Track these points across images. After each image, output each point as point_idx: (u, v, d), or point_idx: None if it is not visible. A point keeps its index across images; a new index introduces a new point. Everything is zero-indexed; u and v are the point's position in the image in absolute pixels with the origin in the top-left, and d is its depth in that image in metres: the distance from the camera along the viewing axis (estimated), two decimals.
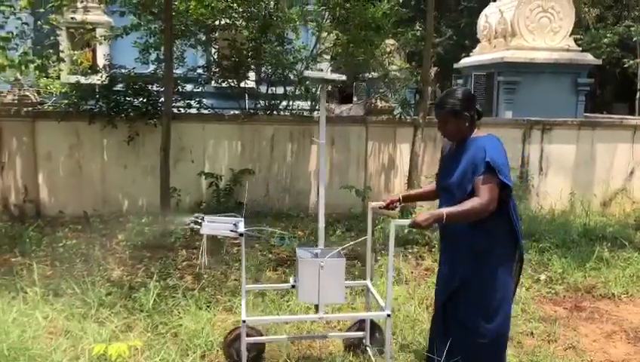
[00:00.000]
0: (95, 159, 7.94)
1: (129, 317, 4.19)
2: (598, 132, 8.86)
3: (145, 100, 7.80)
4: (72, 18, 9.16)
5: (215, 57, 9.08)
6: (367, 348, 3.80)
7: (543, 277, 5.72)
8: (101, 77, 8.11)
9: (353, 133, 8.40)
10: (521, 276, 3.50)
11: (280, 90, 9.14)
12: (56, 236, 6.25)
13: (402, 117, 8.04)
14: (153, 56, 8.48)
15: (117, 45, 9.72)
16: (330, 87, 8.98)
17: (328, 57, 8.65)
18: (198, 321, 4.02)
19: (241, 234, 3.39)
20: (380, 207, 3.74)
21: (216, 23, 8.63)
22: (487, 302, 3.28)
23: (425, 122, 7.63)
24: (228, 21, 8.68)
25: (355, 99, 16.18)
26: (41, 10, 8.04)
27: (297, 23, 8.74)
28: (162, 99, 7.94)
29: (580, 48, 10.62)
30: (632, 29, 15.85)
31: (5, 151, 7.69)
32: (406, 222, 3.18)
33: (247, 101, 9.36)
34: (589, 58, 10.11)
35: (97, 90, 7.96)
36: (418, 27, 8.82)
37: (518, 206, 7.87)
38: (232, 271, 5.51)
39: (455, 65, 11.68)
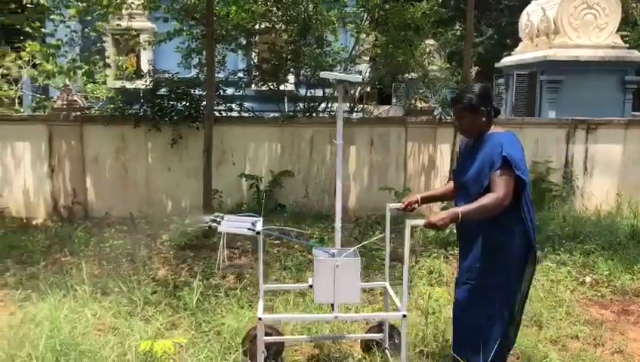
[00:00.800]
0: (140, 162, 8.15)
1: (174, 315, 4.30)
2: None
3: (188, 104, 7.97)
4: (117, 25, 9.45)
5: (255, 61, 9.21)
6: (386, 351, 3.77)
7: (588, 279, 5.59)
8: (145, 82, 8.32)
9: (392, 134, 8.38)
10: (533, 279, 3.44)
11: (319, 93, 9.22)
12: (103, 236, 6.43)
13: (442, 117, 7.98)
14: (195, 61, 8.66)
15: (160, 51, 9.94)
16: (356, 88, 8.98)
17: (367, 59, 8.65)
18: (240, 320, 4.09)
19: (257, 233, 3.42)
20: (398, 209, 3.71)
21: (256, 27, 8.76)
22: (492, 295, 3.26)
23: None
24: (267, 25, 8.81)
25: (394, 100, 16.17)
26: (88, 18, 8.30)
27: (336, 25, 8.80)
28: (204, 102, 8.14)
29: (627, 45, 10.32)
30: None
31: (55, 154, 7.98)
32: (421, 222, 3.16)
33: (286, 104, 9.45)
34: (636, 55, 9.80)
35: (142, 95, 8.16)
36: (458, 27, 8.74)
37: (562, 207, 7.86)
38: (273, 270, 5.58)
39: (496, 65, 11.51)
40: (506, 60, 11.44)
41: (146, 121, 7.87)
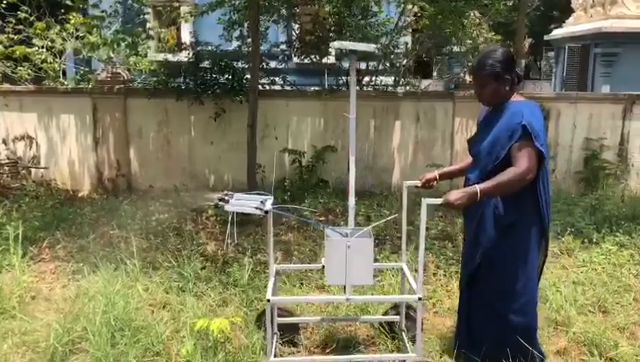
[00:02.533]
0: (183, 135, 8.11)
1: (224, 291, 4.25)
2: None
3: (230, 77, 7.86)
4: None
5: (297, 33, 9.01)
6: (402, 333, 3.64)
7: None
8: (188, 54, 8.22)
9: (439, 109, 8.12)
10: (546, 257, 3.24)
11: (362, 66, 8.99)
12: (149, 210, 6.42)
13: None
14: (236, 33, 8.52)
15: (201, 23, 9.81)
16: (402, 61, 8.71)
17: (412, 30, 8.37)
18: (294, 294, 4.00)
19: (266, 212, 3.28)
20: (415, 186, 3.53)
21: None
22: (511, 281, 3.09)
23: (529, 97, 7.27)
24: None
25: (434, 74, 15.76)
26: None
27: None
28: (248, 75, 8.01)
29: None
30: None
31: (99, 127, 7.99)
32: (438, 201, 2.95)
33: (326, 77, 9.26)
34: None
35: (184, 68, 8.08)
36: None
37: (617, 186, 7.53)
38: (322, 248, 5.47)
39: (546, 37, 11.06)
40: (557, 32, 10.97)
41: (189, 94, 7.79)
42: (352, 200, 3.66)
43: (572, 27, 10.25)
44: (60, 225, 5.74)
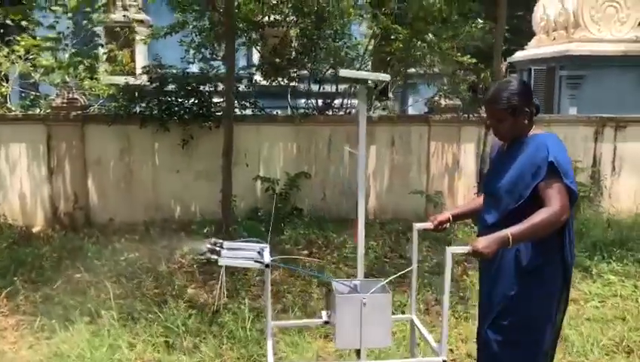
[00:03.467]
0: (146, 164, 7.60)
1: (219, 346, 3.79)
2: None
3: (197, 101, 7.42)
4: (108, 18, 8.72)
5: (264, 55, 8.66)
6: None
7: None
8: (150, 78, 7.72)
9: (415, 133, 7.93)
10: (568, 303, 2.97)
11: (331, 89, 8.74)
12: (116, 248, 5.88)
13: (472, 115, 7.54)
14: (199, 55, 8.10)
15: (155, 45, 9.32)
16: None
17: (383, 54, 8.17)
18: (299, 351, 3.60)
19: (267, 266, 2.86)
20: (425, 230, 3.20)
21: (265, 19, 8.23)
22: (533, 330, 2.83)
23: None
24: (278, 17, 8.29)
25: (390, 95, 15.70)
26: (88, 9, 7.68)
27: (352, 17, 8.33)
28: (215, 100, 7.60)
29: None
30: None
31: (54, 156, 7.38)
32: (465, 249, 2.65)
33: (289, 100, 8.95)
34: None
35: (142, 92, 7.56)
36: (480, 20, 8.29)
37: (589, 208, 7.49)
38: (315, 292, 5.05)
39: (509, 60, 11.13)
40: (520, 55, 11.05)
41: (154, 121, 7.30)
42: (361, 248, 3.28)
43: (535, 50, 10.34)
44: (17, 269, 5.12)
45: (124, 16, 7.78)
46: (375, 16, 8.07)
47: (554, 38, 10.10)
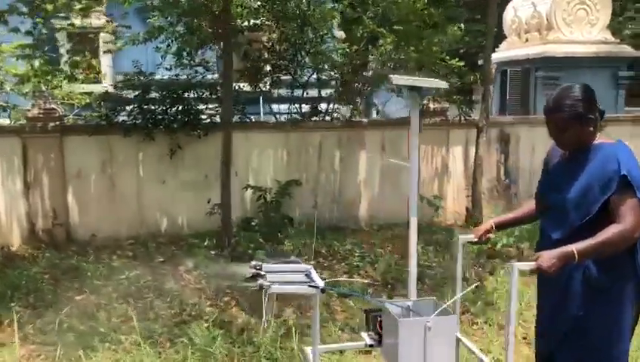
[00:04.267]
0: (130, 175, 7.25)
1: None
2: None
3: (184, 110, 7.14)
4: (70, 24, 8.26)
5: (248, 60, 8.42)
6: None
7: None
8: (132, 85, 7.36)
9: (405, 137, 7.84)
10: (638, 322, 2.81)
11: (315, 93, 8.60)
12: (113, 267, 5.54)
13: (462, 118, 7.55)
14: (181, 61, 7.79)
15: (120, 52, 8.90)
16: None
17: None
18: None
19: (323, 291, 2.67)
20: (470, 242, 3.08)
21: (245, 23, 8.00)
22: (604, 354, 2.67)
23: (488, 123, 7.22)
24: (258, 22, 8.08)
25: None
26: (62, 14, 7.24)
27: (336, 20, 8.21)
28: (200, 106, 7.34)
29: (618, 41, 10.33)
30: None
31: (31, 169, 6.94)
32: (529, 265, 2.49)
33: (271, 107, 8.78)
34: (628, 50, 9.81)
35: (130, 100, 7.22)
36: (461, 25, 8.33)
37: None
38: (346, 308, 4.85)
39: (480, 62, 11.26)
40: (492, 57, 11.19)
41: (138, 130, 6.97)
42: (413, 265, 3.09)
43: (507, 52, 10.52)
44: (13, 294, 4.73)
45: (70, 24, 7.29)
46: (358, 19, 7.99)
47: (526, 40, 10.30)
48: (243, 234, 6.47)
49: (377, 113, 8.16)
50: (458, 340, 2.92)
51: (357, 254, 5.90)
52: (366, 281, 5.17)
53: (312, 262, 5.89)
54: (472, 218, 7.23)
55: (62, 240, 6.95)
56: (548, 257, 2.44)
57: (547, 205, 2.84)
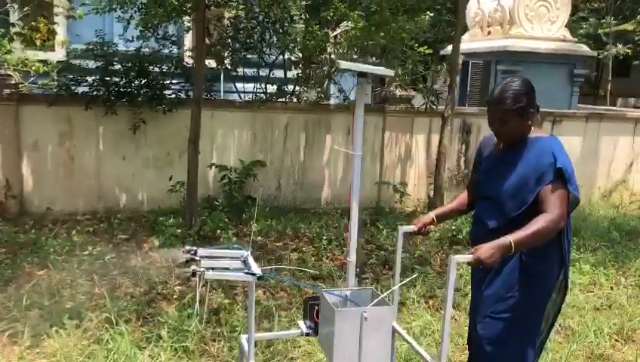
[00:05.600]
0: (89, 149, 7.02)
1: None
2: (603, 124, 8.94)
3: (147, 83, 6.94)
4: None
5: (215, 36, 8.25)
6: None
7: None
8: (94, 56, 7.08)
9: (370, 123, 7.92)
10: (564, 301, 2.98)
11: (280, 74, 8.52)
12: (74, 242, 5.37)
13: (429, 107, 7.64)
14: (147, 34, 7.54)
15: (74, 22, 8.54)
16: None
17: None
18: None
19: (260, 278, 2.59)
20: (412, 232, 3.06)
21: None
22: (524, 332, 2.84)
23: (453, 113, 7.36)
24: None
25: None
26: None
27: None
28: (166, 81, 7.16)
29: (576, 39, 10.66)
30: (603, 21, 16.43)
31: None
32: (467, 258, 2.51)
33: (223, 83, 8.65)
34: (584, 49, 10.14)
35: (92, 71, 6.96)
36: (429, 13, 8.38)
37: None
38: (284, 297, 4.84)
39: (442, 52, 11.41)
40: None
41: (100, 103, 6.74)
42: (353, 254, 3.06)
43: (469, 44, 10.67)
44: None
45: None
46: (328, 1, 7.92)
47: (489, 33, 10.49)
48: (208, 213, 6.37)
49: (345, 99, 8.12)
50: (394, 330, 2.87)
51: (325, 237, 5.90)
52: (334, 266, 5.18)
53: (279, 244, 5.92)
54: (433, 205, 7.35)
55: (15, 213, 6.68)
56: (486, 249, 2.48)
57: (483, 195, 2.90)
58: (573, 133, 8.76)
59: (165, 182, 6.91)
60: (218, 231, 5.70)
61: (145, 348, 3.42)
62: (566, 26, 10.42)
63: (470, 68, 10.56)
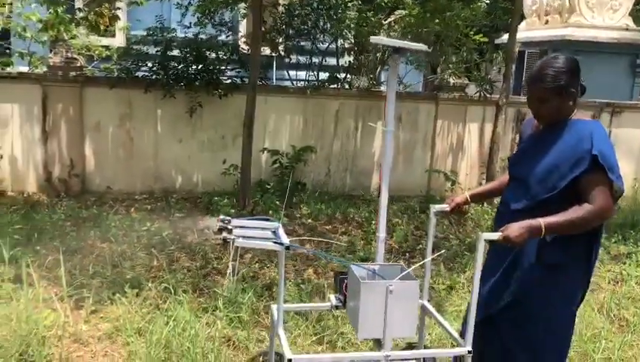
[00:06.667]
0: (148, 131, 7.27)
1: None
2: None
3: (205, 68, 7.12)
4: None
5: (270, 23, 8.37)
6: None
7: None
8: (154, 41, 7.32)
9: (422, 111, 7.90)
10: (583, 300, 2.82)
11: (333, 62, 8.57)
12: (134, 218, 5.60)
13: (483, 95, 7.55)
14: (193, 19, 7.73)
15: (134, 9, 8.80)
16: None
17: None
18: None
19: (287, 248, 2.65)
20: (444, 212, 3.04)
21: None
22: (543, 334, 2.66)
23: (508, 102, 7.25)
24: None
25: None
26: None
27: None
28: (222, 67, 7.32)
29: None
30: None
31: (50, 118, 6.94)
32: (496, 236, 2.47)
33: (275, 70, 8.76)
34: None
35: (151, 56, 7.19)
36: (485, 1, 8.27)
37: None
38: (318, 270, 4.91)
39: (497, 41, 11.23)
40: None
41: (159, 86, 6.97)
42: (382, 231, 3.08)
43: (526, 33, 10.45)
44: (39, 238, 4.79)
45: None
46: None
47: (546, 22, 10.24)
48: (260, 195, 6.51)
49: (398, 85, 8.11)
50: (424, 309, 2.99)
51: (373, 222, 5.95)
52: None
53: (328, 227, 6.01)
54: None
55: (77, 191, 7.00)
56: (516, 228, 2.42)
57: (513, 175, 2.81)
58: (634, 125, 8.48)
59: (219, 165, 7.10)
60: (270, 211, 5.82)
61: (202, 317, 3.58)
62: (630, 15, 10.08)
63: (526, 57, 10.34)
